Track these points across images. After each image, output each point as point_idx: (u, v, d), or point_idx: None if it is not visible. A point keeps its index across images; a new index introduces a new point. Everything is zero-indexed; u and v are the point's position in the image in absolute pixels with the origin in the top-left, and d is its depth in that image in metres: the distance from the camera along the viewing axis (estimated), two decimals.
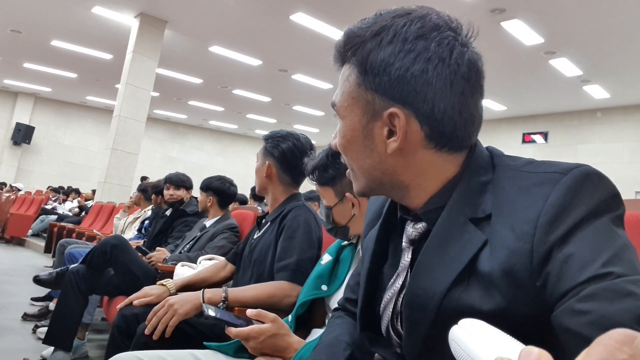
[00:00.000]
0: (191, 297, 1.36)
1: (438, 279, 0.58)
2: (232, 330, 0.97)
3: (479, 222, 0.58)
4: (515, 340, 0.30)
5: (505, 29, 7.03)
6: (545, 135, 11.79)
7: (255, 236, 1.69)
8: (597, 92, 9.87)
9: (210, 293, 1.38)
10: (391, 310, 0.68)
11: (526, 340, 0.50)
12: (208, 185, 2.67)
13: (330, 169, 1.21)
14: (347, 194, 1.21)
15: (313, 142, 1.74)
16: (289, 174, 1.68)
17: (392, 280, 0.69)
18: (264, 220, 1.70)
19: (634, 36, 6.97)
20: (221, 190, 2.70)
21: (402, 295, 0.67)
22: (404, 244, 0.68)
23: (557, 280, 0.49)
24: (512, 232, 0.54)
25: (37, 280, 2.44)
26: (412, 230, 0.67)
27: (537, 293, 0.51)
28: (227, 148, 18.23)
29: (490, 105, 11.39)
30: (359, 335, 0.80)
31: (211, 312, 1.02)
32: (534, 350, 0.25)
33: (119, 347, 1.43)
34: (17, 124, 14.06)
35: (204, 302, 1.34)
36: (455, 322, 0.54)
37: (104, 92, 13.35)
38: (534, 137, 11.91)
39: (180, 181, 3.19)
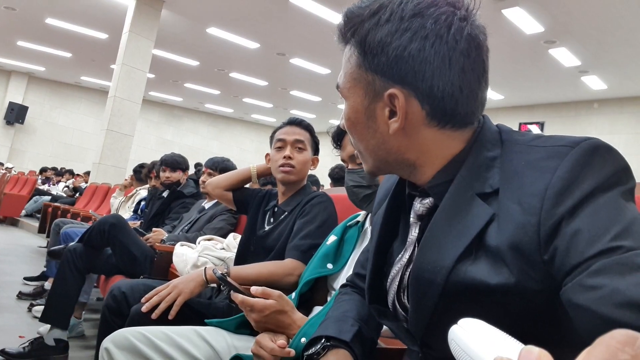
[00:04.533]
0: (194, 276, 1.36)
1: (445, 253, 0.58)
2: (238, 296, 0.96)
3: (487, 196, 0.58)
4: (515, 339, 0.30)
5: (506, 17, 6.99)
6: (541, 125, 11.81)
7: (267, 225, 1.66)
8: (594, 83, 9.87)
9: (211, 270, 1.37)
10: (397, 284, 0.69)
11: (536, 316, 0.52)
12: (217, 165, 2.65)
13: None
14: None
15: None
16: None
17: (400, 254, 0.69)
18: (276, 209, 1.66)
19: (634, 29, 6.95)
20: (230, 168, 2.69)
21: (409, 269, 0.67)
22: (411, 219, 0.69)
23: (566, 254, 0.48)
24: (520, 205, 0.54)
25: (50, 253, 2.47)
26: (419, 205, 0.67)
27: (545, 267, 0.51)
28: (223, 132, 18.13)
29: (488, 93, 11.33)
30: (366, 312, 0.81)
31: (218, 274, 1.02)
32: (534, 349, 0.25)
33: (111, 327, 1.43)
34: (10, 103, 13.88)
35: (206, 279, 1.34)
36: (463, 296, 0.56)
37: (99, 72, 13.19)
38: (530, 126, 11.92)
39: (177, 163, 3.16)
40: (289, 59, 10.29)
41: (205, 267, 1.38)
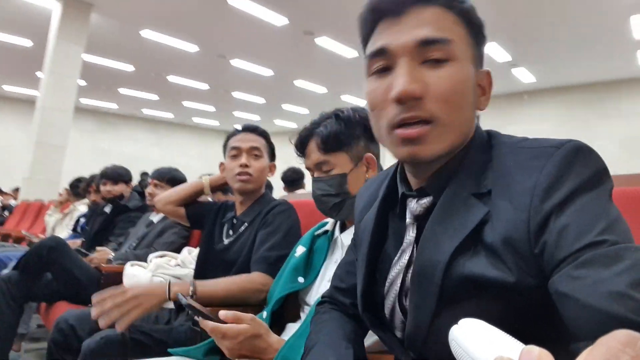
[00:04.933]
0: (157, 290, 1.21)
1: (442, 248, 0.59)
2: (208, 324, 0.89)
3: (481, 197, 0.59)
4: (516, 340, 0.30)
5: None
6: (477, 118, 12.32)
7: (230, 233, 1.57)
8: (524, 76, 10.44)
9: (177, 287, 1.23)
10: (399, 286, 0.66)
11: (534, 314, 0.53)
12: (164, 175, 2.49)
13: (344, 135, 1.12)
14: (368, 155, 1.13)
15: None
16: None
17: (397, 257, 0.68)
18: (235, 221, 1.57)
19: (556, 24, 7.40)
20: (181, 182, 2.53)
21: (409, 271, 0.66)
22: (407, 220, 0.68)
23: (555, 248, 0.50)
24: (511, 203, 0.56)
25: None
26: (416, 206, 0.66)
27: (536, 262, 0.52)
28: (163, 138, 17.48)
29: None
30: (350, 329, 0.78)
31: (184, 301, 0.93)
32: (535, 349, 0.25)
33: None
34: None
35: (169, 296, 1.21)
36: (462, 291, 0.57)
37: (24, 80, 12.29)
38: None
39: (119, 175, 2.96)
40: (230, 61, 10.08)
41: (170, 282, 1.24)
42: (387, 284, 0.68)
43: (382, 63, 0.63)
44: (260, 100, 13.41)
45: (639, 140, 10.20)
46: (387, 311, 0.68)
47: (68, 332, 1.33)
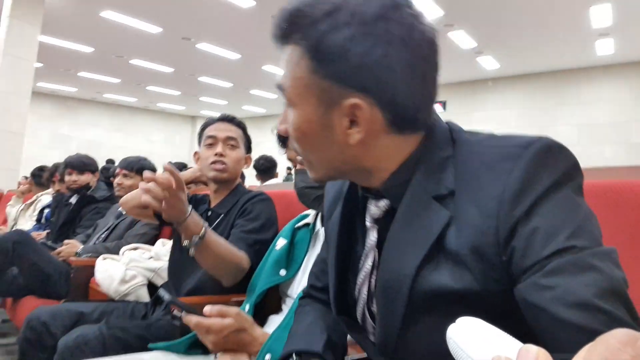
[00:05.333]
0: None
1: (407, 261, 0.57)
2: (192, 319, 0.89)
3: (443, 198, 0.57)
4: (514, 338, 0.30)
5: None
6: (444, 104, 12.54)
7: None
8: (488, 63, 10.66)
9: (194, 222, 1.15)
10: (366, 292, 0.66)
11: (503, 319, 0.51)
12: (132, 165, 2.42)
13: None
14: None
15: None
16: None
17: (362, 261, 0.67)
18: (210, 213, 1.54)
19: (522, 11, 7.57)
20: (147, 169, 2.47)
21: (373, 275, 0.65)
22: (368, 223, 0.66)
23: (523, 254, 0.49)
24: (477, 209, 0.54)
25: None
26: (374, 209, 0.65)
27: (505, 269, 0.52)
28: (127, 123, 16.96)
29: None
30: (332, 318, 0.78)
31: (167, 297, 0.93)
32: (533, 348, 0.25)
33: None
34: None
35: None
36: (429, 304, 0.55)
37: None
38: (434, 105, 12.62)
39: (84, 165, 2.85)
40: (195, 44, 9.82)
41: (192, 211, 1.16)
42: (356, 289, 0.68)
43: None
44: (227, 84, 13.18)
45: (596, 127, 10.64)
46: (358, 315, 0.68)
47: (41, 330, 1.30)
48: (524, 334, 0.54)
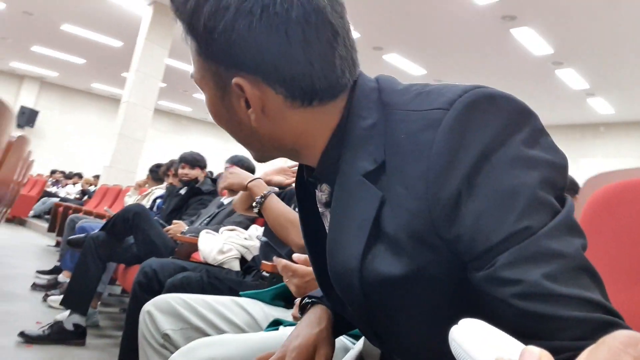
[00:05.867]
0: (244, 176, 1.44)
1: (349, 253, 0.53)
2: (281, 261, 1.01)
3: (374, 174, 0.52)
4: (516, 340, 0.30)
5: (514, 37, 7.11)
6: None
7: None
8: (601, 107, 9.96)
9: (258, 185, 1.41)
10: None
11: (446, 301, 0.50)
12: (249, 166, 2.73)
13: None
14: None
15: None
16: None
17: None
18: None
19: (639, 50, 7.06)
20: (252, 169, 2.76)
21: None
22: (320, 209, 0.65)
23: (471, 241, 0.44)
24: (407, 190, 0.48)
25: (70, 241, 2.52)
26: (320, 194, 0.63)
27: (447, 253, 0.47)
28: (227, 143, 18.17)
29: None
30: None
31: (264, 238, 1.06)
32: (535, 350, 0.25)
33: (142, 304, 1.48)
34: (22, 107, 14.05)
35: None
36: (382, 291, 0.52)
37: (110, 79, 13.38)
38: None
39: (195, 160, 3.22)
40: None
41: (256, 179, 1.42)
42: None
43: None
44: None
45: None
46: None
47: (151, 276, 1.52)
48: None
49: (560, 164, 0.48)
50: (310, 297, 0.81)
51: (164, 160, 4.25)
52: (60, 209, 5.50)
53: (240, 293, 1.25)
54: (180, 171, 3.11)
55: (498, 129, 0.45)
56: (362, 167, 0.52)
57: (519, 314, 0.42)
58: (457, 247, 0.46)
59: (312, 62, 0.52)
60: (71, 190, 9.80)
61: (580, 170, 12.03)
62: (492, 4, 6.25)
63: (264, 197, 1.36)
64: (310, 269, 1.03)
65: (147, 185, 4.53)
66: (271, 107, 0.55)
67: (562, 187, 0.47)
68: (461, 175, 0.45)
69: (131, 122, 7.53)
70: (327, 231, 0.60)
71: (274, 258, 1.04)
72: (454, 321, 0.31)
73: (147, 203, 3.78)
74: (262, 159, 0.64)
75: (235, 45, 0.51)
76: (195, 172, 3.11)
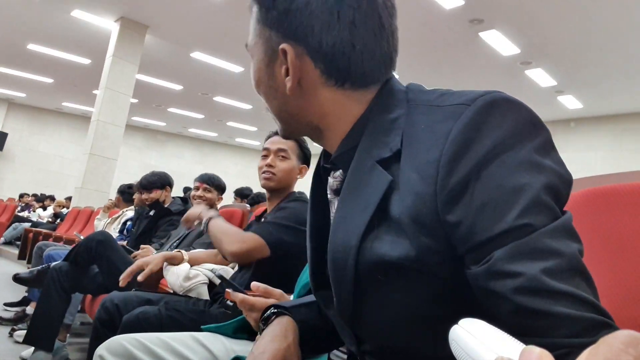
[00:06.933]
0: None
1: (351, 231, 0.54)
2: (238, 295, 0.95)
3: (387, 161, 0.54)
4: (516, 340, 0.30)
5: (483, 39, 7.21)
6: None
7: None
8: (570, 103, 10.18)
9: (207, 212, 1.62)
10: None
11: (433, 300, 0.51)
12: (220, 184, 2.67)
13: None
14: None
15: None
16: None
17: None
18: (263, 219, 1.67)
19: (607, 49, 7.23)
20: (223, 189, 2.71)
21: None
22: (329, 195, 0.66)
23: (470, 229, 0.46)
24: (418, 174, 0.50)
25: (17, 278, 2.37)
26: (332, 180, 0.64)
27: (446, 240, 0.48)
28: (207, 156, 18.06)
29: None
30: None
31: (219, 273, 1.01)
32: (535, 349, 0.25)
33: (102, 340, 1.41)
34: None
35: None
36: (374, 275, 0.53)
37: (81, 98, 13.11)
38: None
39: (149, 184, 3.13)
40: None
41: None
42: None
43: None
44: None
45: None
46: (335, 301, 0.66)
47: (113, 311, 1.44)
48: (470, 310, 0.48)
49: (566, 179, 0.49)
50: (276, 306, 0.76)
51: (139, 177, 4.15)
52: (31, 235, 5.32)
53: (202, 327, 1.19)
54: (139, 197, 3.04)
55: (512, 131, 0.47)
56: (377, 154, 0.55)
57: (515, 309, 0.42)
58: (456, 233, 0.47)
59: (354, 45, 0.57)
60: (43, 214, 9.52)
61: None
62: (459, 8, 6.33)
63: (211, 218, 1.51)
64: (271, 301, 0.98)
65: (117, 207, 4.41)
66: (307, 80, 0.59)
67: (564, 201, 0.48)
68: (471, 164, 0.46)
69: (101, 140, 7.37)
70: (331, 220, 0.63)
71: (230, 292, 0.99)
72: (437, 326, 0.32)
73: (117, 226, 3.68)
74: (287, 134, 0.68)
75: (291, 15, 0.57)
76: (154, 195, 3.03)
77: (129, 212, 3.84)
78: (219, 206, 2.76)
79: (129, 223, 3.51)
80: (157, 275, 1.88)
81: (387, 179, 0.53)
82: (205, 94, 11.87)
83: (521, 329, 0.41)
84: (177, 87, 11.45)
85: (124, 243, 3.21)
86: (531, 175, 0.46)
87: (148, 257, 1.72)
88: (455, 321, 0.33)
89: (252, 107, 12.73)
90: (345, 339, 0.66)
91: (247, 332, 1.16)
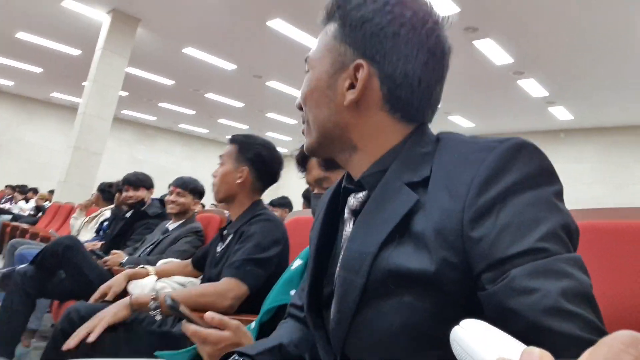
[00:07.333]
0: (116, 302, 1.33)
1: (370, 240, 0.58)
2: (189, 327, 0.88)
3: (416, 185, 0.59)
4: (517, 340, 0.30)
5: (477, 48, 7.19)
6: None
7: (218, 249, 1.60)
8: (561, 114, 10.23)
9: (138, 295, 1.35)
10: None
11: (451, 306, 0.53)
12: (197, 188, 2.58)
13: None
14: None
15: (285, 150, 1.72)
16: (262, 182, 1.62)
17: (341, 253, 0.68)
18: (225, 232, 1.60)
19: (598, 62, 7.26)
20: (201, 193, 2.62)
21: None
22: (345, 215, 0.69)
23: (491, 246, 0.49)
24: (448, 193, 0.54)
25: None
26: (353, 200, 0.68)
27: (465, 256, 0.51)
28: (197, 153, 17.91)
29: (459, 121, 11.61)
30: (299, 335, 0.80)
31: (170, 302, 0.92)
32: (536, 350, 0.25)
33: (59, 353, 1.32)
34: None
35: (131, 302, 1.31)
36: (386, 287, 0.56)
37: (71, 89, 12.91)
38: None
39: (139, 181, 3.04)
40: (265, 82, 10.32)
41: (131, 296, 1.33)
42: (335, 282, 0.68)
43: None
44: (292, 121, 13.61)
45: None
46: (333, 309, 0.67)
47: (77, 322, 1.35)
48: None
49: (577, 227, 0.52)
50: (240, 353, 0.73)
51: (128, 171, 4.03)
52: (8, 229, 5.19)
53: (156, 353, 1.12)
54: (124, 194, 2.93)
55: (537, 172, 0.53)
56: (406, 177, 0.60)
57: (528, 326, 0.44)
58: (477, 249, 0.50)
59: (420, 81, 0.64)
60: (25, 207, 9.35)
61: None
62: (454, 15, 6.29)
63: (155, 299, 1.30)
64: (225, 334, 0.91)
65: (96, 206, 4.29)
66: (368, 99, 0.65)
67: (575, 245, 0.51)
68: (500, 190, 0.51)
69: (87, 134, 7.23)
70: (343, 238, 0.67)
71: (183, 323, 0.91)
72: (434, 347, 0.33)
73: (94, 225, 3.58)
74: (316, 147, 0.70)
75: (377, 40, 0.63)
76: (140, 194, 2.94)
77: (107, 212, 3.74)
78: (196, 210, 2.69)
79: (105, 223, 3.41)
80: (123, 294, 1.79)
81: (414, 198, 0.57)
82: (196, 90, 11.74)
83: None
84: (169, 82, 11.31)
85: (99, 244, 3.12)
86: (550, 213, 0.50)
87: (110, 280, 1.62)
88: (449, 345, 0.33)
89: (243, 105, 12.63)
90: (324, 357, 0.67)
91: None
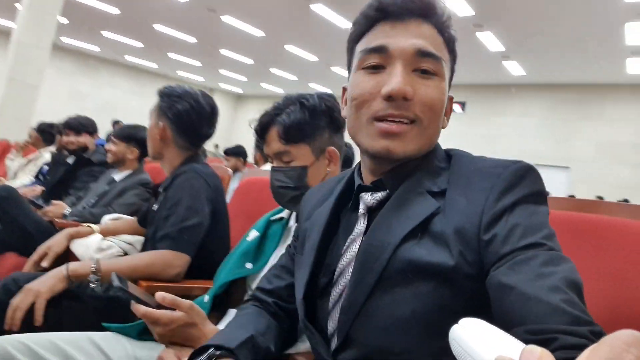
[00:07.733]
0: (52, 272, 1.21)
1: (393, 232, 0.63)
2: (139, 309, 0.84)
3: (435, 194, 0.66)
4: (517, 339, 0.30)
5: None
6: (463, 105, 12.35)
7: (155, 207, 1.53)
8: (514, 69, 10.43)
9: (76, 264, 1.24)
10: (350, 273, 0.68)
11: (461, 301, 0.59)
12: (132, 135, 2.37)
13: (308, 125, 1.08)
14: (330, 148, 1.11)
15: (240, 90, 1.63)
16: (185, 137, 1.53)
17: (346, 246, 0.70)
18: (160, 189, 1.53)
19: (556, 19, 7.36)
20: (140, 142, 2.41)
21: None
22: (360, 211, 0.72)
23: (502, 242, 0.57)
24: (466, 198, 0.62)
25: None
26: (370, 198, 0.71)
27: (481, 252, 0.58)
28: (145, 88, 16.97)
29: None
30: (264, 324, 0.79)
31: (117, 283, 0.87)
32: (536, 349, 0.26)
33: None
34: None
35: (68, 274, 1.20)
36: (403, 276, 0.61)
37: (2, 10, 11.67)
38: (453, 105, 12.46)
39: (82, 126, 2.81)
40: (220, 16, 9.74)
41: (67, 264, 1.23)
42: (336, 273, 0.70)
43: (377, 60, 0.68)
44: (248, 60, 13.10)
45: (616, 146, 10.40)
46: (331, 300, 0.69)
47: (15, 293, 1.26)
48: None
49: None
50: (217, 347, 0.69)
51: (69, 105, 3.73)
52: None
53: (103, 325, 1.07)
54: (65, 139, 2.73)
55: (539, 192, 0.63)
56: (428, 186, 0.67)
57: (526, 299, 0.50)
58: (489, 247, 0.58)
59: None
60: None
61: (491, 128, 12.71)
62: None
63: (96, 270, 1.22)
64: (177, 314, 0.88)
65: (34, 146, 4.01)
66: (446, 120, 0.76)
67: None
68: (512, 200, 0.60)
69: (23, 64, 6.63)
70: (351, 234, 0.70)
71: (132, 304, 0.87)
72: (437, 338, 0.37)
73: (33, 168, 3.35)
74: (411, 155, 0.69)
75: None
76: (83, 139, 2.74)
77: (47, 155, 3.50)
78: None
79: (45, 168, 3.20)
80: (65, 254, 1.70)
81: (435, 205, 0.64)
82: (144, 20, 10.93)
83: (521, 317, 0.49)
84: (114, 10, 10.44)
85: (38, 190, 2.94)
86: (547, 222, 0.61)
87: (49, 240, 1.50)
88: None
89: (196, 41, 11.96)
90: (318, 350, 0.69)
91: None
